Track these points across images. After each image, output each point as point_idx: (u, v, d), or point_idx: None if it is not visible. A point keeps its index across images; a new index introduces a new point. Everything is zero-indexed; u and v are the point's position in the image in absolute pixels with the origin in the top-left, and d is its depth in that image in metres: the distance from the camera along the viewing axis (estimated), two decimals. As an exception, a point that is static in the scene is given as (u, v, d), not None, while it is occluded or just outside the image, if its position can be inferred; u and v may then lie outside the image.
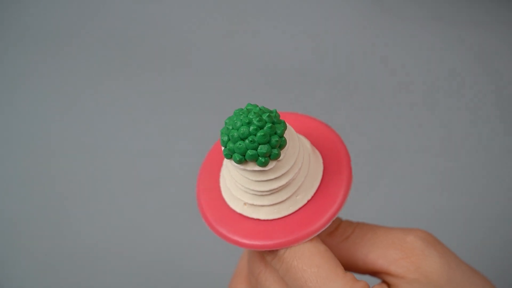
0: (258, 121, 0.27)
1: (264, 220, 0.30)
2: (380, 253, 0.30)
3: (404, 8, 0.66)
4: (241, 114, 0.27)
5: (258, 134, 0.27)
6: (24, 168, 0.61)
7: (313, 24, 0.67)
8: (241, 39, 0.65)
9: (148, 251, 0.56)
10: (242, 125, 0.27)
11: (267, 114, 0.27)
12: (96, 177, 0.60)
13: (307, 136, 0.32)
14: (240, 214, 0.31)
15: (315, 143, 0.31)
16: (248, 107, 0.27)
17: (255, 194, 0.29)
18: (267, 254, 0.30)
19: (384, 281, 0.31)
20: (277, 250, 0.30)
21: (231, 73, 0.64)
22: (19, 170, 0.61)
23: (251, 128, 0.27)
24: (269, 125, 0.27)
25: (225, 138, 0.27)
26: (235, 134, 0.27)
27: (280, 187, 0.29)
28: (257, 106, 0.28)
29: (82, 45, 0.68)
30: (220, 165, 0.32)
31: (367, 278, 0.31)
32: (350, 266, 0.32)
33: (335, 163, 0.31)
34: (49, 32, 0.69)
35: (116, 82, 0.66)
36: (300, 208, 0.30)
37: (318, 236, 0.30)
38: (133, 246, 0.57)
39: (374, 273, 0.31)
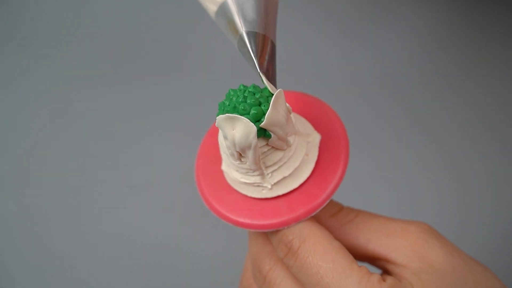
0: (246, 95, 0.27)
1: (260, 200, 0.30)
2: (383, 240, 0.30)
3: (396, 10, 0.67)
4: (233, 93, 0.28)
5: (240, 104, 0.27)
6: (22, 170, 0.61)
7: (309, 24, 0.67)
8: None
9: (144, 252, 0.56)
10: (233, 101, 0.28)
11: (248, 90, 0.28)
12: (91, 179, 0.60)
13: (307, 114, 0.32)
14: (241, 195, 0.31)
15: (314, 122, 0.32)
16: (240, 88, 0.28)
17: (248, 173, 0.29)
18: (280, 250, 0.30)
19: (385, 270, 0.31)
20: (290, 245, 0.29)
21: (224, 74, 0.64)
22: (17, 171, 0.61)
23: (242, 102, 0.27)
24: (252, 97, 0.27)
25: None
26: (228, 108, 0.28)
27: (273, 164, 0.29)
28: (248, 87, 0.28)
29: (74, 49, 0.68)
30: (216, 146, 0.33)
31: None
32: (351, 251, 0.31)
33: (333, 143, 0.31)
34: (43, 34, 0.69)
35: (109, 85, 0.66)
36: (300, 186, 0.30)
37: (322, 220, 0.30)
38: (129, 247, 0.57)
39: (374, 259, 0.31)
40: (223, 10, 0.30)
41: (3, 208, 0.59)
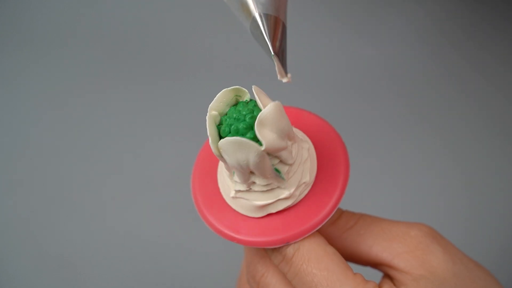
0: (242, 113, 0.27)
1: (271, 215, 0.30)
2: (385, 245, 0.30)
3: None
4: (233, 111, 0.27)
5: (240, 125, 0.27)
6: (21, 170, 0.61)
7: (308, 25, 0.67)
8: (234, 39, 0.65)
9: (143, 253, 0.56)
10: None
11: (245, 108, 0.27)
12: (90, 179, 0.60)
13: (302, 129, 0.32)
14: (236, 212, 0.30)
15: (310, 136, 0.31)
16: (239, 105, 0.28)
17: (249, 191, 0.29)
18: (274, 257, 0.30)
19: (387, 275, 0.31)
20: (285, 252, 0.29)
21: (224, 74, 0.64)
22: (17, 171, 0.61)
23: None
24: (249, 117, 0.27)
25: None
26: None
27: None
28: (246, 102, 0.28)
29: (74, 49, 0.68)
30: (214, 161, 0.32)
31: (368, 272, 0.31)
32: (354, 257, 0.31)
33: (332, 156, 0.31)
34: (43, 34, 0.69)
35: (108, 85, 0.66)
36: (298, 203, 0.30)
37: (321, 228, 0.30)
38: (129, 247, 0.57)
39: (377, 265, 0.31)
40: None
41: (3, 208, 0.59)
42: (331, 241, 0.31)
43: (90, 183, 0.60)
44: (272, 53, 0.28)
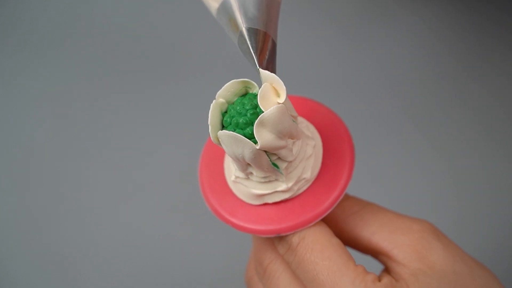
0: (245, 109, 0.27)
1: (268, 205, 0.30)
2: (387, 235, 0.30)
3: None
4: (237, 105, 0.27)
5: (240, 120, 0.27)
6: (22, 170, 0.61)
7: (307, 25, 0.67)
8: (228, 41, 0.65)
9: (145, 252, 0.56)
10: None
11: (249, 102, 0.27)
12: (91, 179, 0.60)
13: (308, 118, 0.32)
14: (236, 196, 0.31)
15: (322, 132, 0.32)
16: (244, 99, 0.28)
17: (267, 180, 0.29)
18: (281, 246, 0.30)
19: (386, 267, 0.31)
20: (290, 241, 0.30)
21: (225, 74, 0.64)
22: (17, 171, 0.61)
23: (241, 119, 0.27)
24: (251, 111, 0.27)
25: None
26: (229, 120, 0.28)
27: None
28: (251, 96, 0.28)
29: (74, 49, 0.68)
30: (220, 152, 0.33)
31: (369, 267, 0.31)
32: (354, 242, 0.32)
33: (337, 146, 0.31)
34: (43, 33, 0.69)
35: (109, 85, 0.66)
36: (297, 196, 0.30)
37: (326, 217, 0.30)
38: (130, 247, 0.56)
39: (376, 253, 0.31)
40: (225, 6, 0.30)
41: (3, 208, 0.59)
42: (335, 223, 0.32)
43: (91, 183, 0.60)
44: (258, 67, 0.27)
